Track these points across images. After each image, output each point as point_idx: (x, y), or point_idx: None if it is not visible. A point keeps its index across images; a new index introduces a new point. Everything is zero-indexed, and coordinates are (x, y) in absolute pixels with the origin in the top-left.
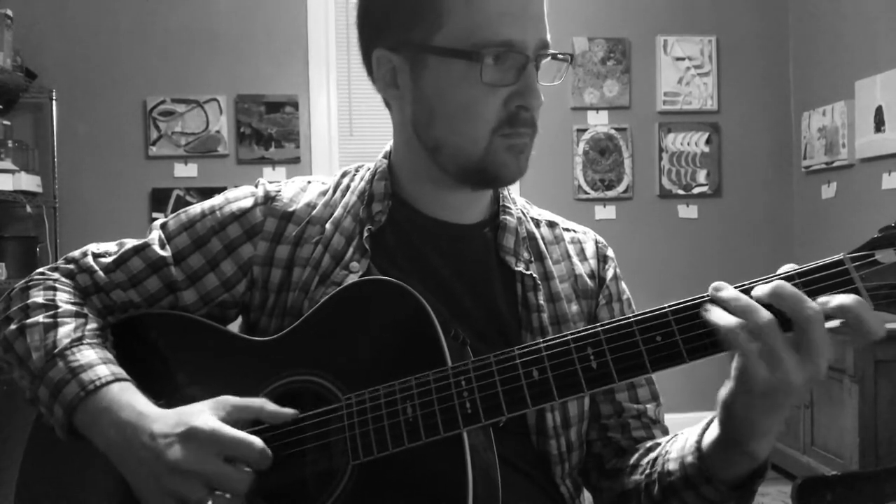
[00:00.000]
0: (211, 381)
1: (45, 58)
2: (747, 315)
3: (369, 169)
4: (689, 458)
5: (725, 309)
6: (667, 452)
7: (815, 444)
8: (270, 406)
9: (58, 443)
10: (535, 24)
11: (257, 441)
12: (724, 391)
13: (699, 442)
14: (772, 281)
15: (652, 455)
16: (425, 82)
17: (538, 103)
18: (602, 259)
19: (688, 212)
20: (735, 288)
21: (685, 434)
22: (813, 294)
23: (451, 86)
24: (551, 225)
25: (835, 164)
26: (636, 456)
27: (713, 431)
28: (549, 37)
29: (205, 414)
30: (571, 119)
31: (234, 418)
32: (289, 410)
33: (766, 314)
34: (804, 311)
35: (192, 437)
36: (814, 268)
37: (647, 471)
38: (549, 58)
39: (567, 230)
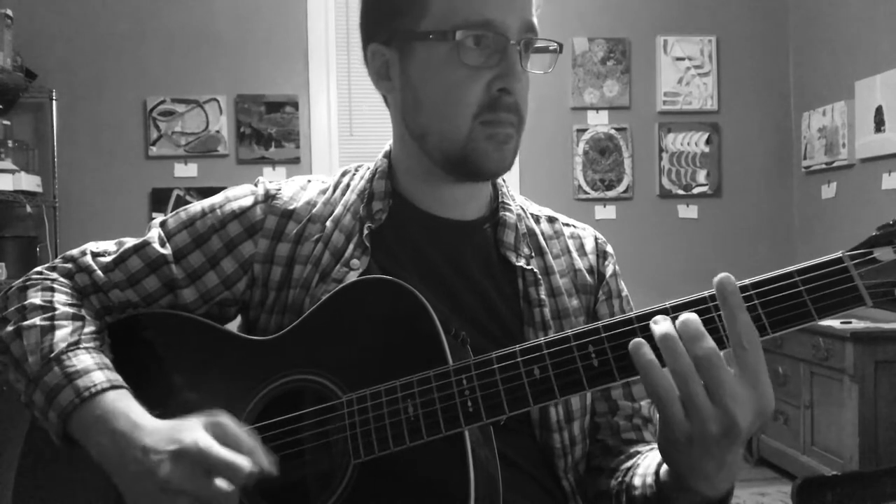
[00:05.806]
0: (210, 382)
1: (45, 58)
2: (674, 357)
3: (369, 168)
4: (649, 480)
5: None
6: (637, 466)
7: (815, 444)
8: (259, 454)
9: (54, 446)
10: (518, 5)
11: (245, 464)
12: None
13: (658, 467)
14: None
15: (628, 464)
16: (412, 70)
17: (520, 86)
18: (601, 255)
19: (688, 212)
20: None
21: (654, 451)
22: (812, 292)
23: (433, 69)
24: (551, 220)
25: (835, 164)
26: (618, 460)
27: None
28: (535, 20)
29: (197, 431)
30: (571, 119)
31: (223, 443)
32: (269, 463)
33: (686, 359)
34: (702, 351)
35: (182, 455)
36: (813, 265)
37: (621, 478)
38: (536, 44)
39: (567, 225)
